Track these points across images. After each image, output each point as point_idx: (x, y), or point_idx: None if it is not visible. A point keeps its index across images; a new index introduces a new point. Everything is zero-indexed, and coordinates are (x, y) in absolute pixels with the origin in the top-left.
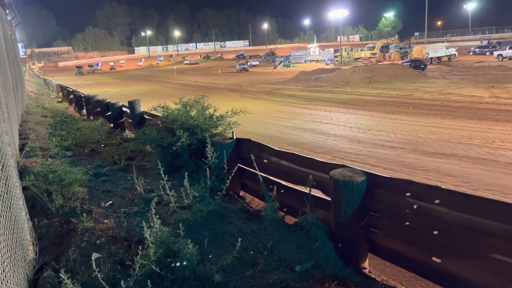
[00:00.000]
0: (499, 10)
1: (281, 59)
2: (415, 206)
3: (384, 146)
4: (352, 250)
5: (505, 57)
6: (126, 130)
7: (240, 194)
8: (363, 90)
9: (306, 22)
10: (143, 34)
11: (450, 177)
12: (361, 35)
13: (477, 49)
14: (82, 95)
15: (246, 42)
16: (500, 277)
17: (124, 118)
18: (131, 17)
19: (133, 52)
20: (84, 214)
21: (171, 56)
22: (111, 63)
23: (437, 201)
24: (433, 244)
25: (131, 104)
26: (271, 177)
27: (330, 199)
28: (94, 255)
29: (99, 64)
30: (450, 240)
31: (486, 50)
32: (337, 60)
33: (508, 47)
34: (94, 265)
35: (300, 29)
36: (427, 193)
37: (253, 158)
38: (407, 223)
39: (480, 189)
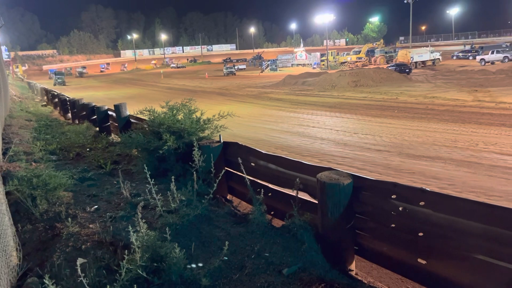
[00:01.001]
0: (482, 15)
1: (268, 63)
2: (400, 208)
3: (370, 149)
4: (339, 253)
5: (487, 62)
6: (112, 134)
7: (228, 197)
8: (349, 94)
9: (293, 26)
10: (129, 37)
11: (435, 179)
12: (347, 40)
13: (460, 54)
14: (67, 98)
15: (233, 46)
16: (483, 277)
17: (110, 121)
18: (117, 20)
19: (119, 55)
20: (69, 219)
21: (152, 61)
22: (102, 66)
23: (422, 203)
24: (419, 245)
25: (117, 108)
26: (259, 181)
27: (317, 202)
28: (80, 260)
29: (106, 66)
30: (435, 242)
31: (469, 54)
32: (323, 64)
33: (490, 51)
34: (79, 270)
35: (286, 33)
36: (412, 195)
37: (240, 161)
38: (393, 225)
39: (464, 191)
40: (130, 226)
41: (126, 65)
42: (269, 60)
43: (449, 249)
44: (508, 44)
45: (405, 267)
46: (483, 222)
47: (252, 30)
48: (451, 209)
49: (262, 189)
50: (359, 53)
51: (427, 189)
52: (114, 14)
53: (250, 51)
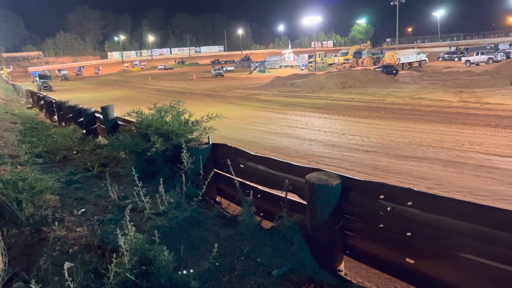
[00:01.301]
0: (466, 17)
1: (256, 64)
2: (388, 209)
3: (358, 150)
4: (328, 253)
5: (472, 63)
6: (99, 136)
7: (217, 199)
8: (337, 95)
9: (281, 28)
10: (116, 39)
11: (422, 179)
12: (334, 41)
13: (446, 55)
14: (53, 101)
15: (221, 48)
16: (471, 276)
17: (97, 124)
18: (104, 21)
19: (106, 57)
20: (56, 223)
21: (125, 64)
22: (77, 68)
23: (410, 203)
24: (407, 245)
25: (104, 110)
26: (248, 182)
27: (306, 203)
28: (67, 264)
29: (81, 69)
30: (423, 241)
31: (455, 56)
32: (311, 66)
33: (475, 53)
34: (66, 274)
35: (274, 35)
36: (400, 196)
37: (229, 163)
38: (381, 225)
39: (451, 191)
40: (118, 229)
41: (100, 68)
42: (257, 62)
43: (437, 248)
44: (492, 45)
45: (394, 267)
46: (470, 221)
47: (240, 31)
48: (438, 209)
49: (251, 191)
50: (346, 55)
51: (414, 189)
52: (100, 15)
53: (238, 52)
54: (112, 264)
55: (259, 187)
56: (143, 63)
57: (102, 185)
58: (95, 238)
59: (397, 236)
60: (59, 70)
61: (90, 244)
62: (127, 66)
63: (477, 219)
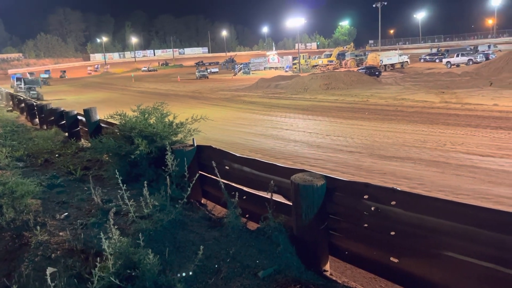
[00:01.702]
0: (447, 19)
1: (240, 66)
2: (372, 208)
3: (342, 150)
4: (313, 254)
5: (453, 64)
6: (82, 139)
7: (202, 201)
8: (321, 96)
9: (265, 30)
10: (98, 40)
11: (405, 179)
12: (318, 43)
13: (427, 57)
14: (35, 103)
15: (205, 49)
16: (454, 274)
17: (80, 126)
18: (85, 23)
19: (88, 59)
20: (38, 227)
21: (88, 67)
22: (89, 68)
23: (393, 203)
24: (391, 244)
25: (87, 112)
26: (233, 184)
27: (291, 204)
28: (49, 270)
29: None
30: (406, 240)
31: (436, 57)
32: (295, 68)
33: (456, 54)
34: (49, 280)
35: (258, 37)
36: (384, 195)
37: (214, 165)
38: (366, 225)
39: (434, 190)
40: (102, 233)
41: (65, 72)
42: (241, 64)
43: (421, 247)
44: (472, 47)
45: (378, 266)
46: (452, 220)
47: (224, 33)
48: (421, 208)
49: (237, 193)
50: (330, 57)
51: (397, 189)
52: (82, 16)
53: (223, 54)
54: (96, 269)
55: (245, 188)
56: (106, 66)
57: (85, 188)
58: (78, 243)
59: (381, 235)
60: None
61: (73, 249)
62: (89, 72)
63: (459, 217)
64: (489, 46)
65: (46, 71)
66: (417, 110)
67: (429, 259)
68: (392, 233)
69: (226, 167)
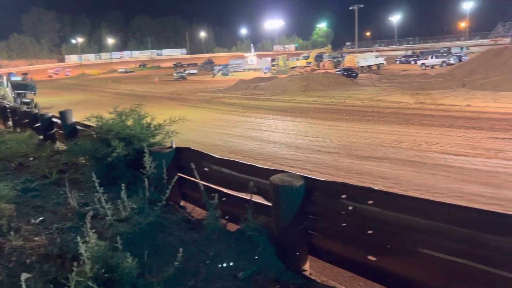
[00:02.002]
0: (421, 22)
1: (219, 67)
2: (350, 208)
3: (321, 151)
4: (293, 254)
5: (428, 66)
6: (57, 142)
7: (181, 204)
8: (300, 98)
9: (243, 31)
10: (73, 41)
11: (382, 179)
12: (296, 45)
13: (403, 58)
14: (7, 105)
15: (184, 50)
16: (429, 270)
17: (55, 129)
18: (60, 23)
19: (63, 60)
20: (12, 232)
21: (56, 69)
22: (50, 71)
23: (370, 202)
24: (368, 243)
25: (62, 115)
26: (213, 185)
27: (271, 205)
28: (24, 276)
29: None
30: (383, 239)
31: (411, 59)
32: (274, 69)
33: (430, 56)
34: (24, 286)
35: (237, 38)
36: (361, 195)
37: (193, 166)
38: (344, 224)
39: (410, 189)
40: (78, 237)
41: (57, 70)
42: (220, 65)
43: (397, 245)
44: (445, 49)
45: (357, 264)
46: (427, 218)
47: (202, 34)
48: (397, 207)
49: (216, 194)
50: (308, 58)
51: (375, 188)
52: (57, 17)
53: (201, 55)
54: (72, 273)
55: (224, 190)
56: (67, 70)
57: (61, 192)
58: (54, 247)
59: (359, 234)
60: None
61: (49, 254)
62: (50, 75)
63: (433, 215)
64: (461, 48)
65: (23, 74)
66: (393, 111)
67: (405, 257)
68: (370, 231)
69: (205, 169)
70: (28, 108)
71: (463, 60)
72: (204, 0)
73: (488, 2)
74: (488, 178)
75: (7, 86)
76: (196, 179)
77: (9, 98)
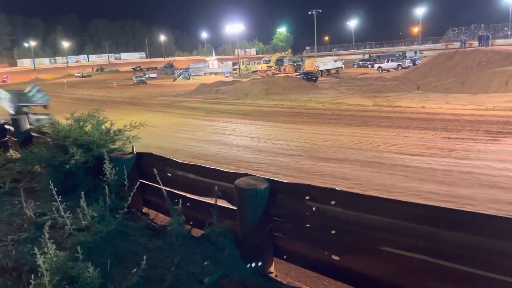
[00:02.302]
0: (377, 27)
1: (180, 71)
2: (314, 209)
3: (284, 154)
4: (258, 256)
5: (384, 69)
6: (11, 150)
7: (144, 210)
8: (262, 101)
9: (204, 35)
10: (26, 45)
11: (343, 179)
12: (257, 49)
13: (360, 62)
14: None
15: (143, 54)
16: (390, 267)
17: (8, 136)
18: (11, 26)
19: (15, 64)
20: None
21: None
22: (4, 77)
23: (333, 202)
24: (332, 243)
25: (15, 122)
26: (176, 191)
27: (236, 208)
28: None
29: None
30: (346, 238)
31: (368, 63)
32: (235, 73)
33: (386, 60)
34: None
35: (198, 42)
36: (323, 196)
37: (156, 172)
38: (308, 225)
39: (370, 189)
40: (36, 248)
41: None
42: (181, 69)
43: (359, 244)
44: (400, 53)
45: (321, 264)
46: (387, 216)
47: (162, 38)
48: (358, 206)
49: (180, 200)
50: (269, 62)
51: (336, 188)
52: (8, 19)
53: (161, 59)
54: (30, 286)
55: (188, 195)
56: (4, 75)
57: (16, 202)
58: (9, 260)
59: (323, 234)
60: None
61: (4, 267)
62: (4, 80)
63: (393, 213)
64: (415, 52)
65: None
66: (352, 114)
67: (367, 255)
68: (333, 231)
69: (168, 174)
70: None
71: (417, 63)
72: (164, 3)
73: (439, 8)
74: (442, 177)
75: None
76: (159, 185)
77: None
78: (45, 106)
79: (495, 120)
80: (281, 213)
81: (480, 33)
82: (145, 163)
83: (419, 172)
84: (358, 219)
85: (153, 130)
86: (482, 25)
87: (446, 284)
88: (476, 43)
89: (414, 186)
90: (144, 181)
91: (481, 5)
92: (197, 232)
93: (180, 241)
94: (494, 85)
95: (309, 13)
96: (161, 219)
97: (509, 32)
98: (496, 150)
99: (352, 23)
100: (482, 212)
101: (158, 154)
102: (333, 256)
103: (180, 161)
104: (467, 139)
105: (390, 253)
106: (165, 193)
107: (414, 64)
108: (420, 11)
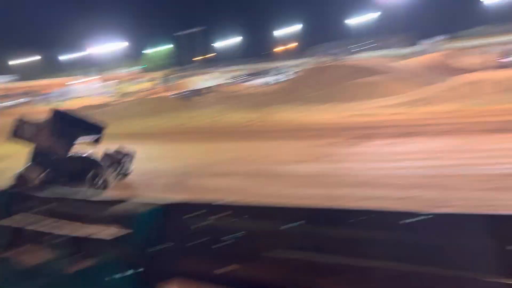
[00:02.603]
0: (252, 44)
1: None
2: (198, 225)
3: (168, 174)
4: (154, 282)
5: (263, 84)
6: None
7: None
8: (141, 122)
9: (80, 54)
10: None
11: (230, 193)
12: (137, 68)
13: (240, 78)
14: None
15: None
16: (277, 270)
17: None
18: None
19: None
20: None
21: None
22: None
23: (215, 216)
24: (224, 255)
25: None
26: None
27: (125, 235)
28: None
29: None
30: (237, 249)
31: (247, 78)
32: (114, 94)
33: (265, 74)
34: None
35: (73, 62)
36: (209, 210)
37: None
38: (192, 243)
39: (255, 199)
40: None
41: None
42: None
43: (245, 252)
44: (277, 67)
45: (215, 278)
46: (267, 221)
47: (28, 60)
48: (245, 216)
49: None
50: (150, 81)
51: (220, 202)
52: None
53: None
54: None
55: (61, 231)
56: None
57: None
58: None
59: (214, 249)
60: None
61: None
62: None
63: (272, 218)
64: (291, 67)
65: None
66: (234, 129)
67: (253, 262)
68: (223, 244)
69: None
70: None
71: (293, 77)
72: (32, 22)
73: (311, 25)
74: (320, 181)
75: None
76: None
77: None
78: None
79: (357, 126)
80: (171, 233)
81: (346, 48)
82: None
83: (299, 179)
84: (246, 228)
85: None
86: (349, 40)
87: (333, 278)
88: (343, 57)
89: (296, 192)
90: None
91: (338, 22)
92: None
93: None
94: (359, 95)
95: (190, 31)
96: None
97: (369, 46)
98: (360, 152)
99: (232, 40)
100: (354, 207)
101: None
102: (227, 268)
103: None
104: (333, 144)
105: (277, 257)
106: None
107: (290, 78)
108: (295, 28)
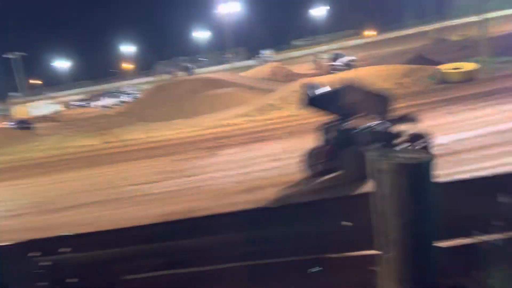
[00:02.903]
0: (89, 65)
1: None
2: (48, 263)
3: (8, 216)
4: None
5: (106, 106)
6: None
7: None
8: None
9: None
10: None
11: (83, 225)
12: None
13: (78, 102)
14: None
15: None
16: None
17: None
18: None
19: None
20: None
21: None
22: None
23: (66, 250)
24: None
25: None
26: None
27: None
28: None
29: None
30: (91, 280)
31: (86, 102)
32: None
33: (106, 97)
34: None
35: None
36: (55, 245)
37: None
38: (44, 283)
39: (111, 226)
40: None
41: None
42: None
43: (107, 280)
44: (118, 88)
45: None
46: (124, 245)
47: None
48: (94, 245)
49: None
50: None
51: (68, 234)
52: None
53: None
54: None
55: None
56: None
57: None
58: None
59: (66, 285)
60: None
61: None
62: None
63: (133, 241)
64: (133, 87)
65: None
66: (81, 156)
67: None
68: (75, 279)
69: None
70: None
71: (136, 97)
72: None
73: (147, 44)
74: (181, 196)
75: None
76: None
77: None
78: None
79: (211, 137)
80: (10, 280)
81: (184, 64)
82: None
83: (159, 198)
84: (98, 257)
85: None
86: (185, 57)
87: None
88: (182, 73)
89: (157, 211)
90: None
91: (179, 39)
92: None
93: None
94: (205, 108)
95: (6, 56)
96: None
97: (204, 61)
98: (216, 162)
99: (62, 64)
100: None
101: None
102: None
103: None
104: (192, 158)
105: (140, 278)
106: None
107: (134, 98)
108: (130, 49)
